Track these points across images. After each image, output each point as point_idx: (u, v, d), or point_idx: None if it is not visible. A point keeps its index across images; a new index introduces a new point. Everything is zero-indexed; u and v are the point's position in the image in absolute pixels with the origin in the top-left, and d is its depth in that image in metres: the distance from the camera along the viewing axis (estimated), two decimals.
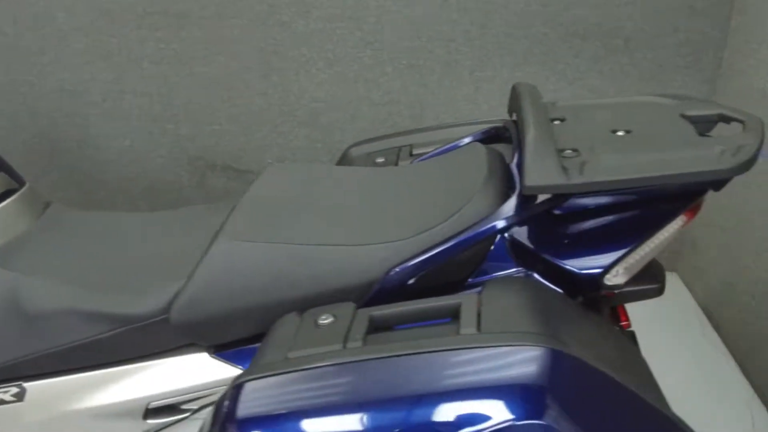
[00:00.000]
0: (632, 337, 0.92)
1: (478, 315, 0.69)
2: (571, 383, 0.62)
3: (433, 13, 1.95)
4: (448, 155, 1.02)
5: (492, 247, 0.82)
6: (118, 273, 0.95)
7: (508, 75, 2.01)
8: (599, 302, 0.86)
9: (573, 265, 0.78)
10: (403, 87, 2.06)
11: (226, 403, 0.66)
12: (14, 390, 0.94)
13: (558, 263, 0.78)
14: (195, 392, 0.90)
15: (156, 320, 0.88)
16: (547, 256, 0.79)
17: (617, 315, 0.92)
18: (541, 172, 0.73)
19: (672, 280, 2.14)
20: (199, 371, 0.90)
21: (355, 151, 1.14)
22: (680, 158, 0.73)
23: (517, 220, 0.80)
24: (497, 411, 0.59)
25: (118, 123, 2.23)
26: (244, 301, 0.84)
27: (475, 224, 0.79)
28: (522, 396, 0.60)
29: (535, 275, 0.82)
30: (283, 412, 0.64)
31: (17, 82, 2.19)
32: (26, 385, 0.94)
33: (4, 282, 0.92)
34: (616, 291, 0.81)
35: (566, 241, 0.80)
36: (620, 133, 0.83)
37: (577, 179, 0.73)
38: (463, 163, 0.90)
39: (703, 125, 0.84)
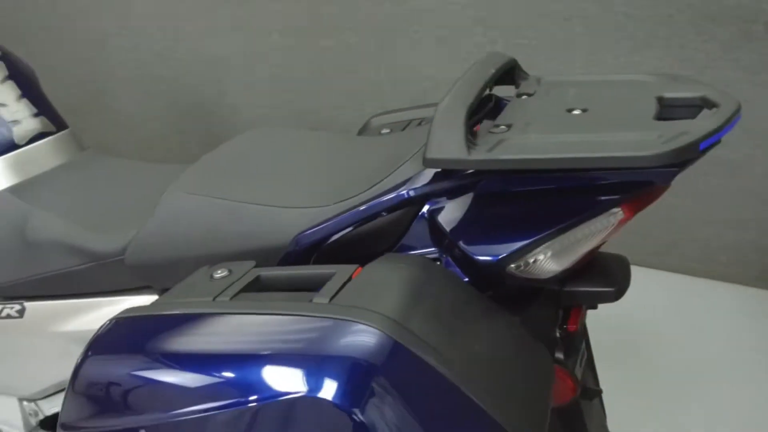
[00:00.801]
0: (579, 340, 0.85)
1: (342, 287, 0.67)
2: (386, 369, 0.58)
3: None
4: (413, 129, 1.03)
5: (415, 225, 0.79)
6: (109, 214, 1.04)
7: (626, 60, 1.86)
8: (537, 300, 0.80)
9: (473, 250, 0.72)
10: None
11: (96, 335, 0.71)
12: (17, 307, 1.05)
13: (461, 246, 0.74)
14: None
15: (115, 260, 0.95)
16: (454, 238, 0.74)
17: (567, 317, 0.83)
18: (441, 145, 0.70)
19: None
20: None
21: (375, 121, 1.14)
22: (605, 142, 0.66)
23: (425, 192, 0.75)
24: (297, 381, 0.58)
25: (248, 92, 2.39)
26: (186, 250, 0.88)
27: (382, 194, 0.77)
28: (323, 370, 0.58)
29: (448, 258, 0.77)
30: (131, 351, 0.68)
31: (163, 53, 2.44)
32: (26, 304, 1.05)
33: (17, 212, 1.04)
34: (550, 287, 0.78)
35: (476, 225, 0.74)
36: (576, 112, 0.76)
37: (477, 156, 0.68)
38: (415, 137, 0.85)
39: (686, 110, 0.74)
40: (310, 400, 0.57)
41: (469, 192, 0.75)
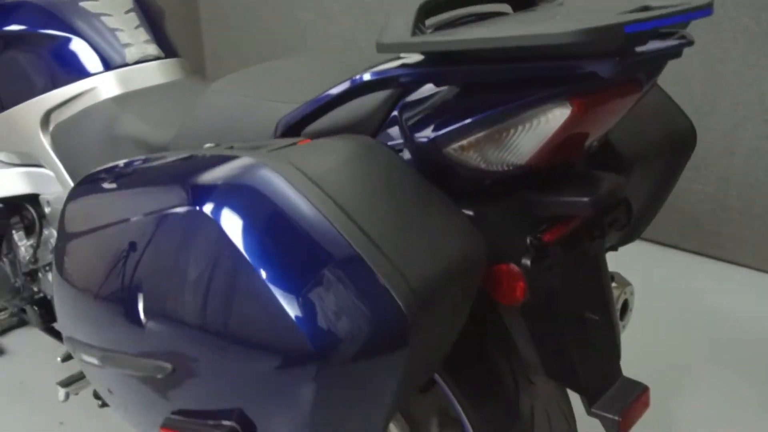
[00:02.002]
0: (557, 253, 0.80)
1: (278, 149, 0.73)
2: (257, 192, 0.65)
3: None
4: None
5: (390, 118, 0.81)
6: (177, 117, 1.16)
7: None
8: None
9: (415, 132, 0.74)
10: (700, 62, 1.93)
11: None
12: None
13: (406, 129, 0.75)
14: None
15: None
16: (404, 124, 0.75)
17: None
18: (391, 31, 0.70)
19: None
20: None
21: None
22: (538, 27, 0.63)
23: (385, 78, 0.75)
24: (189, 195, 0.69)
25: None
26: (211, 139, 0.94)
27: (348, 80, 0.78)
28: (207, 187, 0.68)
29: (406, 149, 0.78)
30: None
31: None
32: None
33: (110, 114, 1.22)
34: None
35: (423, 112, 0.75)
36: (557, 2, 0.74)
37: (417, 39, 0.68)
38: None
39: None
40: (195, 211, 0.67)
41: (424, 83, 0.76)
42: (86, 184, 0.85)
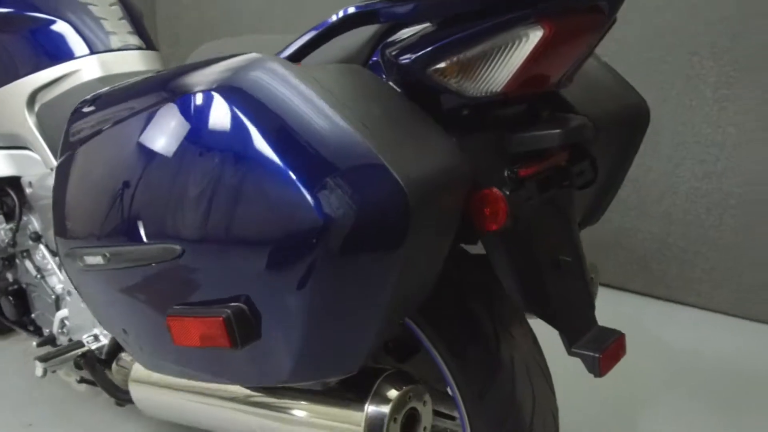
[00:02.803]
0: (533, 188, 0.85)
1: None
2: (260, 79, 0.70)
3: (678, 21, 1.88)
4: None
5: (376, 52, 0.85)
6: None
7: (762, 95, 1.83)
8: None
9: (399, 56, 0.78)
10: None
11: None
12: None
13: (389, 56, 0.79)
14: None
15: None
16: (388, 52, 0.79)
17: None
18: None
19: None
20: None
21: None
22: None
23: (369, 11, 0.80)
24: (206, 81, 0.73)
25: None
26: None
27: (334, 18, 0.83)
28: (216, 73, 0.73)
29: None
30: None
31: None
32: None
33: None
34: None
35: (407, 41, 0.79)
36: None
37: None
38: None
39: None
40: (209, 94, 0.71)
41: (403, 18, 0.79)
42: (96, 99, 0.89)
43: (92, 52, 1.33)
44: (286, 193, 0.63)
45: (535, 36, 0.72)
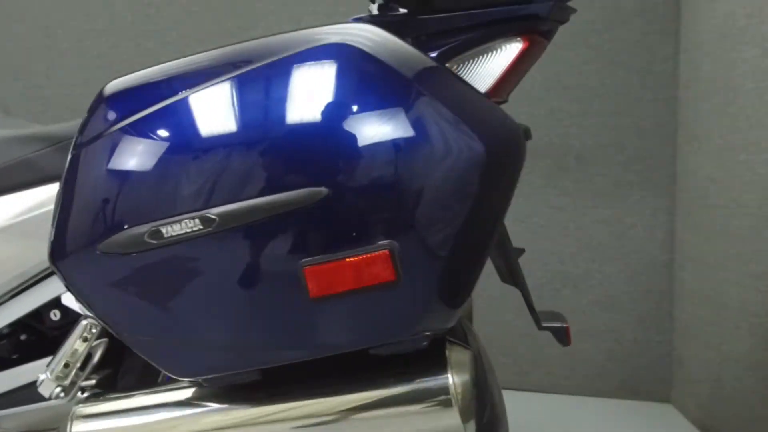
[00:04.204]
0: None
1: None
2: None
3: None
4: None
5: None
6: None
7: None
8: None
9: None
10: None
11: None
12: None
13: None
14: None
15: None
16: None
17: None
18: None
19: (667, 411, 2.02)
20: None
21: None
22: None
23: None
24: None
25: None
26: None
27: None
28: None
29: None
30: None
31: None
32: None
33: None
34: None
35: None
36: None
37: None
38: None
39: None
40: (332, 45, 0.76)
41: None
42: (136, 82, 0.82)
43: None
44: (449, 129, 0.73)
45: (516, 48, 0.83)
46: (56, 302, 1.07)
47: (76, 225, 0.80)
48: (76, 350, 0.97)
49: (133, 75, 0.82)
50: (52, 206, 0.95)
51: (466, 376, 0.83)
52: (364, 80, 0.75)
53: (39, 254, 1.02)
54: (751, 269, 1.61)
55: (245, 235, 0.75)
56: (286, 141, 0.75)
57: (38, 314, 1.09)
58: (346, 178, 0.73)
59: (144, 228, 0.76)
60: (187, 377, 0.85)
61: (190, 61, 0.81)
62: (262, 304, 0.77)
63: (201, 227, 0.75)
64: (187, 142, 0.77)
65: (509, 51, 0.83)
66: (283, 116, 0.75)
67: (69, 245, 0.80)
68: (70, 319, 1.09)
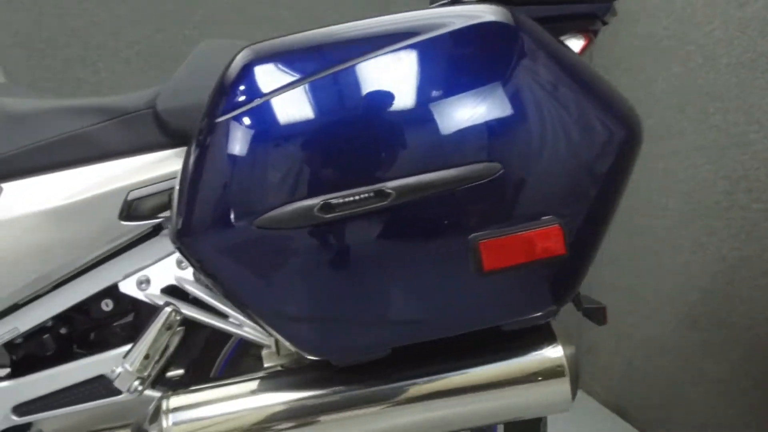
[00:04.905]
0: None
1: None
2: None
3: None
4: None
5: None
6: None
7: None
8: None
9: None
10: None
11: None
12: None
13: None
14: (175, 178, 0.89)
15: (142, 112, 0.92)
16: None
17: None
18: None
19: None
20: (179, 160, 0.89)
21: None
22: None
23: None
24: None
25: None
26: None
27: None
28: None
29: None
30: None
31: None
32: (4, 185, 0.92)
33: None
34: None
35: None
36: None
37: None
38: None
39: None
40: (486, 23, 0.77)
41: None
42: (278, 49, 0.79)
43: None
44: (602, 114, 0.78)
45: (579, 43, 0.88)
46: (109, 291, 0.97)
47: (223, 200, 0.75)
48: (158, 340, 0.91)
49: (273, 42, 0.78)
50: (111, 186, 0.91)
51: (573, 348, 0.87)
52: (534, 60, 0.77)
53: (92, 239, 0.93)
54: (666, 263, 1.81)
55: (418, 209, 0.75)
56: (461, 115, 0.74)
57: (82, 306, 0.99)
58: (520, 154, 0.75)
59: (314, 201, 0.73)
60: (321, 356, 0.83)
61: (338, 30, 0.78)
62: (427, 279, 0.77)
63: (375, 201, 0.74)
64: (360, 113, 0.75)
65: (574, 47, 0.88)
66: (458, 91, 0.75)
67: (211, 221, 0.75)
68: (123, 309, 1.01)
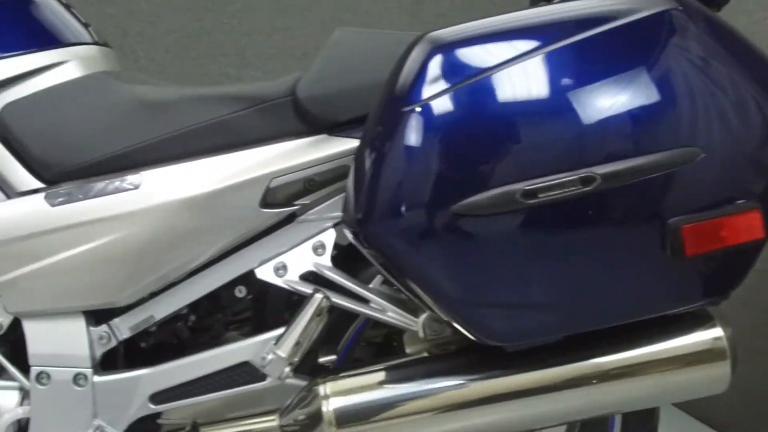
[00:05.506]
0: None
1: None
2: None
3: None
4: None
5: None
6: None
7: None
8: None
9: None
10: None
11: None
12: (132, 178, 0.92)
13: None
14: (317, 165, 0.93)
15: (282, 100, 0.93)
16: None
17: None
18: None
19: None
20: (319, 147, 0.93)
21: None
22: None
23: None
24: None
25: None
26: (358, 79, 0.90)
27: None
28: None
29: None
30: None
31: None
32: (144, 173, 0.92)
33: (118, 87, 0.98)
34: None
35: None
36: None
37: None
38: None
39: None
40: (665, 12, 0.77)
41: None
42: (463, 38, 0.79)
43: (63, 43, 1.02)
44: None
45: None
46: (243, 278, 0.97)
47: (416, 187, 0.75)
48: (309, 327, 0.91)
49: (453, 30, 0.79)
50: (254, 174, 0.91)
51: (731, 329, 0.87)
52: (715, 47, 0.78)
53: (233, 226, 0.93)
54: None
55: (622, 194, 0.75)
56: (658, 100, 0.75)
57: (215, 293, 0.98)
58: (719, 138, 0.76)
59: (518, 186, 0.73)
60: (497, 341, 0.83)
61: (523, 16, 0.79)
62: (621, 265, 0.78)
63: (580, 186, 0.74)
64: (563, 99, 0.75)
65: None
66: (655, 75, 0.76)
67: (402, 209, 0.75)
68: (254, 295, 1.01)
